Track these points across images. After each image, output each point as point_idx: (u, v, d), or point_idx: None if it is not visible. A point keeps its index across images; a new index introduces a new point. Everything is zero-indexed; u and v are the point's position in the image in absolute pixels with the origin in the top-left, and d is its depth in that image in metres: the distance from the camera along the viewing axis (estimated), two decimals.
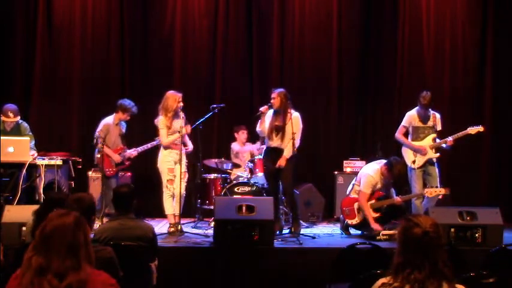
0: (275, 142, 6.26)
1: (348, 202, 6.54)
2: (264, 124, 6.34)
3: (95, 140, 6.71)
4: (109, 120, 6.93)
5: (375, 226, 6.12)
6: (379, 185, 6.34)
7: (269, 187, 6.59)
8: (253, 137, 7.97)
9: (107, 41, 8.29)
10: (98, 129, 6.85)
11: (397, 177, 6.31)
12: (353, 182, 6.69)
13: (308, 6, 8.42)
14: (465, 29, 8.42)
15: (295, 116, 6.24)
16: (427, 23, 8.38)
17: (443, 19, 8.40)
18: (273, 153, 6.30)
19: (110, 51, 8.29)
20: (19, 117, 6.85)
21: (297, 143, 6.24)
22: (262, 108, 6.30)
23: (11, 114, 6.75)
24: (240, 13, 8.41)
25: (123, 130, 7.04)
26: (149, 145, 7.00)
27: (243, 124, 7.88)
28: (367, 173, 6.32)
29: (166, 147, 6.41)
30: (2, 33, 8.06)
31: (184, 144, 6.46)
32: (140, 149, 7.02)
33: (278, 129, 6.22)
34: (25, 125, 6.92)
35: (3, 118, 6.74)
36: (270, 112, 6.34)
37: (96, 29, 8.27)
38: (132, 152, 7.00)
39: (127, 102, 6.97)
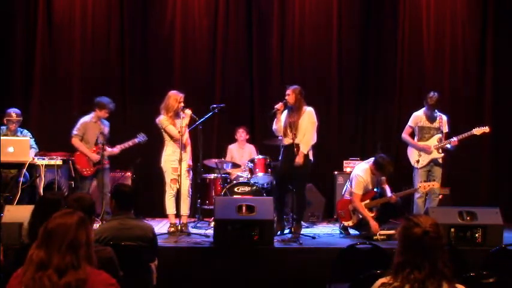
0: (290, 139, 6.18)
1: (342, 204, 6.54)
2: (280, 123, 6.29)
3: (74, 139, 6.79)
4: (86, 118, 6.93)
5: (373, 224, 6.09)
6: (370, 186, 6.34)
7: (277, 187, 6.51)
8: (253, 139, 7.98)
9: (107, 41, 8.30)
10: (75, 128, 6.86)
11: (386, 174, 6.32)
12: (347, 183, 6.71)
13: (308, 6, 8.42)
14: (465, 29, 8.42)
15: (307, 111, 6.21)
16: (427, 23, 8.39)
17: (443, 19, 8.40)
18: (288, 151, 6.20)
19: (110, 51, 8.29)
20: (21, 118, 6.86)
21: (313, 138, 6.22)
22: (277, 106, 6.24)
23: (13, 114, 6.78)
24: (240, 13, 8.42)
25: (105, 128, 6.97)
26: (130, 143, 6.99)
27: (243, 125, 7.88)
28: (357, 173, 6.32)
29: (170, 146, 6.40)
30: (2, 33, 8.06)
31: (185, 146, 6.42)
32: (121, 146, 6.97)
33: (291, 125, 6.20)
34: (26, 132, 6.93)
35: (6, 119, 6.76)
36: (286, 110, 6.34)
37: (96, 29, 8.28)
38: (114, 150, 6.94)
39: (103, 99, 6.98)
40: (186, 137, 6.44)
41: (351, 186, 6.41)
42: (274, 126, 6.38)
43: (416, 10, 8.42)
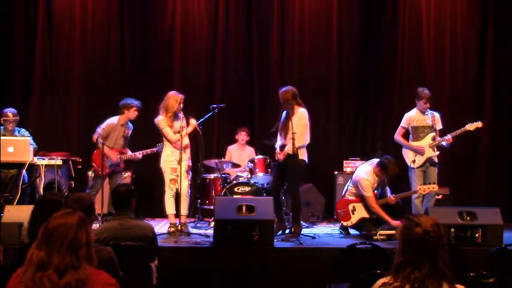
0: (284, 141, 6.19)
1: (342, 204, 6.54)
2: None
3: (96, 136, 6.72)
4: (114, 120, 6.91)
5: (395, 223, 5.96)
6: (374, 185, 6.35)
7: (272, 187, 6.52)
8: (253, 139, 7.98)
9: (107, 41, 8.29)
10: (101, 126, 6.83)
11: (392, 176, 6.32)
12: (348, 183, 6.70)
13: (308, 7, 8.42)
14: (465, 29, 8.42)
15: (299, 112, 6.17)
16: (427, 23, 8.39)
17: (443, 19, 8.40)
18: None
19: (110, 51, 8.29)
20: (18, 118, 6.86)
21: (305, 139, 6.18)
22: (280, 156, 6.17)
23: (10, 114, 6.78)
24: (240, 13, 8.41)
25: (128, 132, 6.99)
26: (149, 151, 6.98)
27: (244, 126, 7.87)
28: (362, 177, 6.30)
29: (169, 147, 6.40)
30: (2, 33, 8.06)
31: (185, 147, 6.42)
32: (143, 152, 6.97)
33: (285, 127, 6.18)
34: (23, 131, 6.93)
35: (3, 119, 6.76)
36: (283, 113, 6.34)
37: (96, 29, 8.27)
38: (137, 155, 6.95)
39: (127, 99, 6.96)
40: (186, 141, 6.45)
41: (354, 188, 6.42)
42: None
43: (416, 10, 8.42)
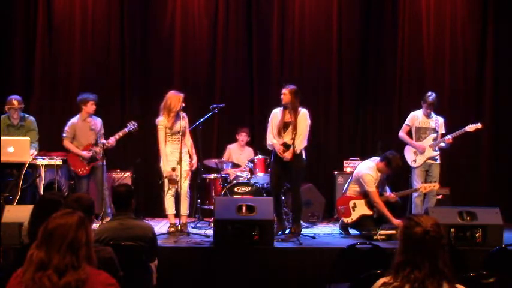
0: (285, 138, 6.17)
1: (343, 201, 6.55)
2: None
3: (66, 141, 6.81)
4: (74, 119, 6.95)
5: (396, 222, 5.93)
6: (377, 181, 6.35)
7: (272, 187, 6.48)
8: (253, 139, 7.97)
9: (107, 41, 8.29)
10: (64, 130, 6.89)
11: (395, 170, 6.35)
12: (348, 181, 6.71)
13: (308, 6, 8.41)
14: (465, 29, 8.42)
15: (302, 112, 6.18)
16: (427, 23, 8.39)
17: (443, 19, 8.40)
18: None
19: (110, 51, 8.29)
20: (23, 106, 6.86)
21: (304, 142, 6.19)
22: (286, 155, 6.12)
23: (15, 102, 6.76)
24: (240, 13, 8.41)
25: (96, 125, 6.92)
26: (121, 133, 6.97)
27: (245, 126, 7.87)
28: (366, 172, 6.31)
29: (169, 146, 6.40)
30: (2, 33, 8.06)
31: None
32: (115, 137, 6.92)
33: (287, 125, 6.18)
34: (31, 118, 6.94)
35: (7, 107, 6.75)
36: (277, 110, 6.32)
37: (96, 29, 8.27)
38: (110, 141, 6.87)
39: (82, 94, 6.99)
40: (189, 142, 6.46)
41: (355, 184, 6.43)
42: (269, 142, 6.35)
43: (416, 10, 8.41)
